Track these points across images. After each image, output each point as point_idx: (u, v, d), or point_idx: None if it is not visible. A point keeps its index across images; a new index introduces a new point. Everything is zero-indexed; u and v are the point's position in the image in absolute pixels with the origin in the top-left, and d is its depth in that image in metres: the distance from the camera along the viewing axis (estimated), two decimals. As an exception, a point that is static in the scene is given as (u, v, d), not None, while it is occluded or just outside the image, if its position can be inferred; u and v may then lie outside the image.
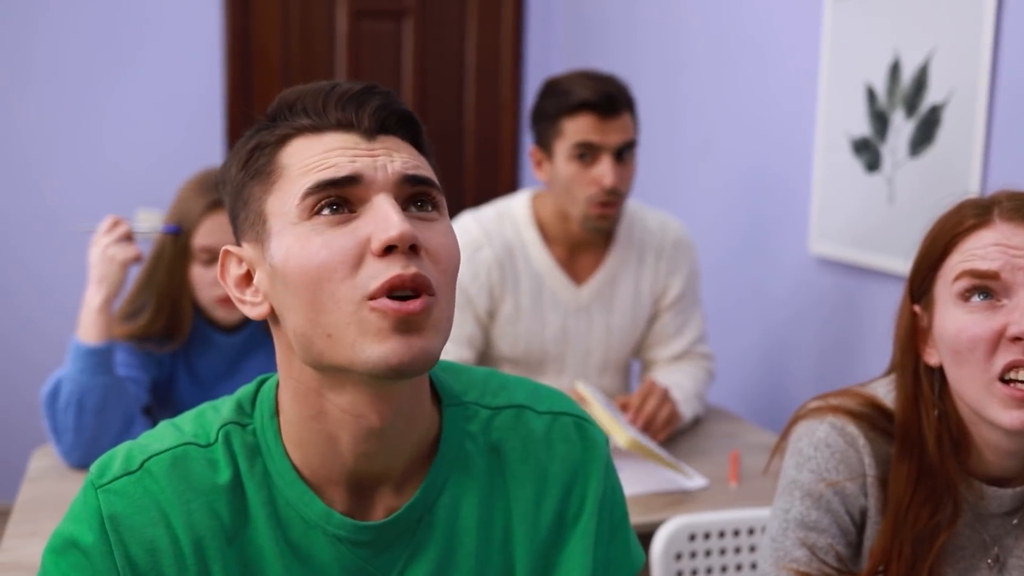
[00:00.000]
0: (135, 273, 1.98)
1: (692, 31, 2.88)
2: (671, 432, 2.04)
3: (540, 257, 2.12)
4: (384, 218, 0.82)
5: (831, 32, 2.26)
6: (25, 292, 3.53)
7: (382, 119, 0.88)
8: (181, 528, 0.87)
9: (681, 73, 2.94)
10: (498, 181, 3.85)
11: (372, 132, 0.87)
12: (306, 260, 0.82)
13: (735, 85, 2.68)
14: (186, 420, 0.93)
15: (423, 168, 0.88)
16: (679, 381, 2.14)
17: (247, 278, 0.89)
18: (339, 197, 0.84)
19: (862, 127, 2.17)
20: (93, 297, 1.80)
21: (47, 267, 3.52)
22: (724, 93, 2.73)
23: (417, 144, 0.91)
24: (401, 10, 3.77)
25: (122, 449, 0.91)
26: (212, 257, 1.86)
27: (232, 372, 2.00)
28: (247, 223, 0.88)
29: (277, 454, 0.90)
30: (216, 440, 0.90)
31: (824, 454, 1.20)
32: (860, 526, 1.21)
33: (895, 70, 2.07)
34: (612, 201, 2.02)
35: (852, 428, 1.20)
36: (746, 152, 2.64)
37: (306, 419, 0.88)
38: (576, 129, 1.99)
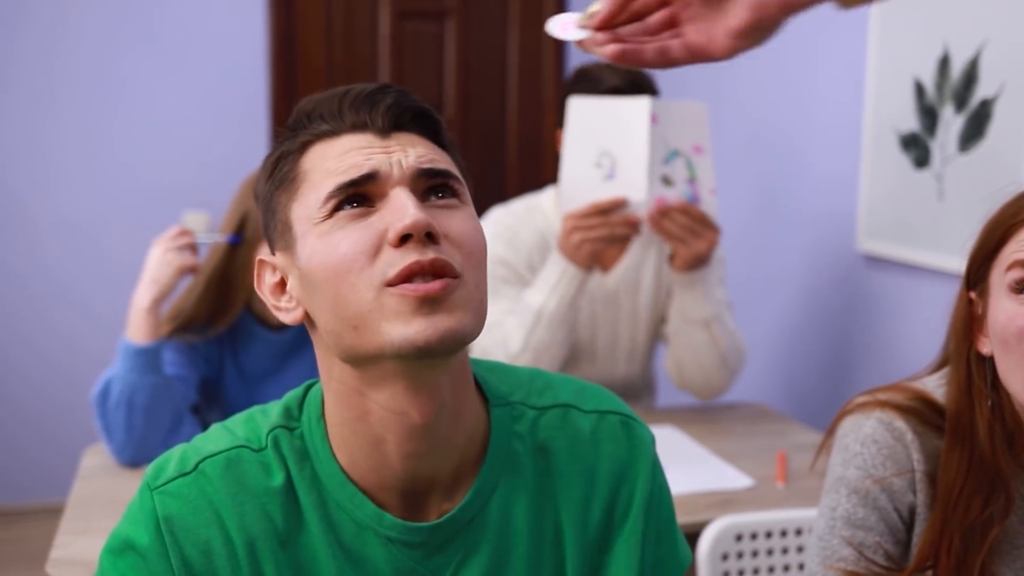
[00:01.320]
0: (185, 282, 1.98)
1: (736, 27, 2.85)
2: (693, 254, 1.98)
3: None
4: (399, 208, 0.83)
5: (878, 26, 2.23)
6: (57, 299, 3.56)
7: (395, 116, 0.89)
8: (234, 529, 0.88)
9: (726, 68, 2.92)
10: (541, 181, 3.84)
11: (386, 130, 0.88)
12: (328, 255, 0.84)
13: (781, 80, 2.65)
14: (237, 423, 0.94)
15: (440, 161, 0.89)
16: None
17: (281, 285, 0.91)
18: (357, 194, 0.85)
19: (910, 122, 2.14)
20: (143, 297, 1.82)
21: (83, 275, 3.56)
22: (770, 88, 2.71)
23: (436, 139, 0.92)
24: (443, 10, 3.78)
25: (177, 451, 0.92)
26: None
27: (280, 370, 2.01)
28: (276, 232, 0.91)
29: (325, 457, 0.90)
30: (266, 445, 0.91)
31: (871, 450, 1.18)
32: (909, 523, 1.19)
33: (944, 64, 2.04)
34: None
35: (900, 423, 1.18)
36: (792, 148, 2.61)
37: (350, 421, 0.88)
38: None
